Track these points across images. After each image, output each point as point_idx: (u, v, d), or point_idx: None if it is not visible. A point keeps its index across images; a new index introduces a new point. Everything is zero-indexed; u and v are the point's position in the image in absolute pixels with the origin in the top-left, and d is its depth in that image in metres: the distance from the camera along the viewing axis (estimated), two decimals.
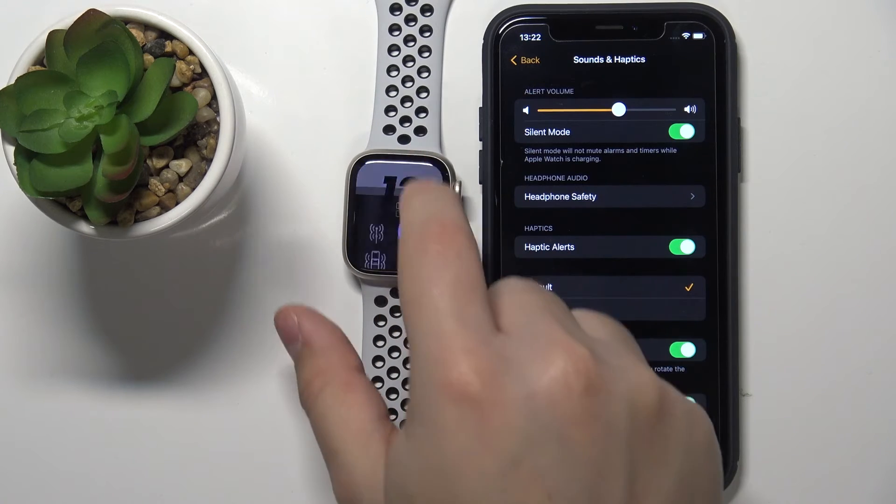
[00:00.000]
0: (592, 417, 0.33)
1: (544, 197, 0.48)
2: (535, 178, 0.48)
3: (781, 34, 0.49)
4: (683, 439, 0.35)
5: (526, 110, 0.48)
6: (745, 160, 0.49)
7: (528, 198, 0.48)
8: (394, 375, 0.49)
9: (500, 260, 0.48)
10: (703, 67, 0.48)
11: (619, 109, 0.48)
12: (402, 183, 0.48)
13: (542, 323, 0.35)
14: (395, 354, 0.49)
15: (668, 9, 0.48)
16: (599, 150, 0.48)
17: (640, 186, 0.48)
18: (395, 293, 0.49)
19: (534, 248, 0.48)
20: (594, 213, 0.48)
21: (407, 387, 0.49)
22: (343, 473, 0.37)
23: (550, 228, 0.48)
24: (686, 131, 0.48)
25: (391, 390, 0.49)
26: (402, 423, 0.37)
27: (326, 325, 0.41)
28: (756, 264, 0.49)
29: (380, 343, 0.49)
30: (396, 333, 0.49)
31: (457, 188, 0.48)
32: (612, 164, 0.48)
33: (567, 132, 0.48)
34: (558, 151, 0.48)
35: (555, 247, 0.48)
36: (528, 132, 0.48)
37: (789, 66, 0.49)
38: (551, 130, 0.48)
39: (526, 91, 0.48)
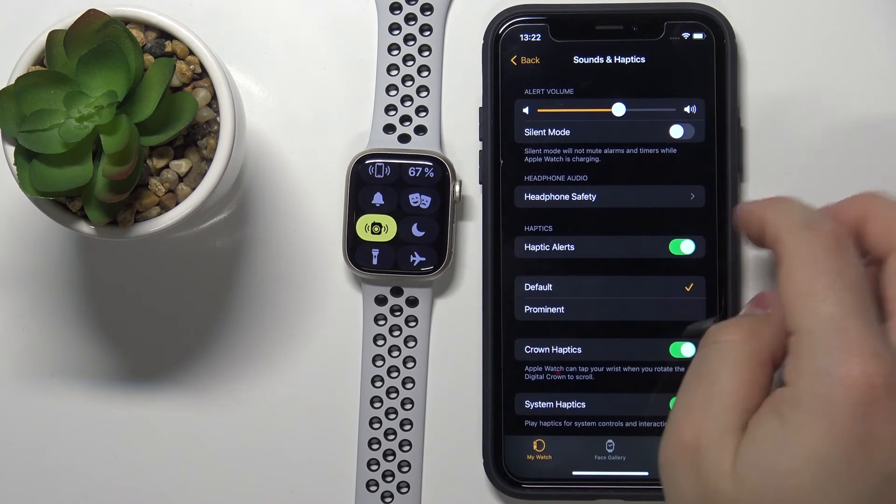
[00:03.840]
0: None
1: (544, 197, 0.48)
2: (535, 178, 0.48)
3: (781, 34, 0.49)
4: None
5: (526, 110, 0.48)
6: (745, 160, 0.49)
7: (528, 198, 0.48)
8: (394, 374, 0.49)
9: (500, 260, 0.48)
10: (703, 67, 0.48)
11: (618, 109, 0.48)
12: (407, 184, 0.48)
13: None
14: (394, 353, 0.49)
15: (668, 9, 0.48)
16: (599, 150, 0.48)
17: (639, 186, 0.48)
18: (395, 292, 0.49)
19: (534, 248, 0.48)
20: (594, 213, 0.48)
21: (408, 385, 0.49)
22: (697, 418, 0.38)
23: (550, 228, 0.48)
24: (686, 131, 0.48)
25: (391, 389, 0.49)
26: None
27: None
28: (756, 264, 0.49)
29: (380, 342, 0.49)
30: (396, 332, 0.49)
31: (457, 188, 0.48)
32: (612, 164, 0.48)
33: (567, 132, 0.48)
34: (558, 151, 0.48)
35: (555, 247, 0.48)
36: (528, 132, 0.48)
37: (789, 66, 0.49)
38: (551, 130, 0.48)
39: (526, 91, 0.48)
